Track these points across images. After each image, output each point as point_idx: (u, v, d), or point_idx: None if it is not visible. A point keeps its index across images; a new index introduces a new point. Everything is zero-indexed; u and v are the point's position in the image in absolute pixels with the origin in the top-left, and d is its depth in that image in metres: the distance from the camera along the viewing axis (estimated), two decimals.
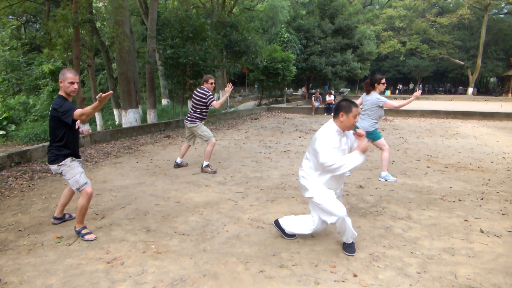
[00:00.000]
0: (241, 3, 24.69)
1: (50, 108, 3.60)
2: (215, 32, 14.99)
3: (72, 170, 3.67)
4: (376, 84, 5.75)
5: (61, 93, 3.62)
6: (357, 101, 5.70)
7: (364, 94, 5.93)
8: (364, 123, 5.74)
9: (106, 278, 2.95)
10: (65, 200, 4.05)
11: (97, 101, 3.42)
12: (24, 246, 3.53)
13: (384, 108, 5.82)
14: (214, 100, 6.30)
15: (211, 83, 6.40)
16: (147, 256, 3.32)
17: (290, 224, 3.60)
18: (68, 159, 3.67)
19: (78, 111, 3.47)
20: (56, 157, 3.64)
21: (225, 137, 10.64)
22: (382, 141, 5.86)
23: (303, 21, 27.49)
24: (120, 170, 6.63)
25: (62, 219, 4.14)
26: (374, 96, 5.73)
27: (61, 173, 3.70)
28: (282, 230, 3.67)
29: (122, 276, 2.97)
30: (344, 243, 3.45)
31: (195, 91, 6.48)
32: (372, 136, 5.76)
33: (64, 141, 3.63)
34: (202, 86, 6.40)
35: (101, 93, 3.50)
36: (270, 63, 20.95)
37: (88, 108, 3.45)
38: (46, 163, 3.79)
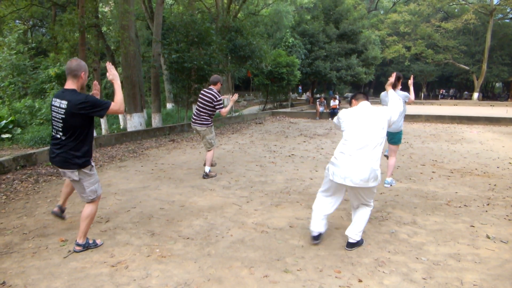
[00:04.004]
0: (246, 8, 24.76)
1: (69, 104, 3.16)
2: (220, 36, 15.05)
3: (92, 178, 3.43)
4: (402, 80, 5.62)
5: (74, 87, 3.28)
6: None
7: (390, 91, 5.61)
8: (397, 123, 5.57)
9: (110, 281, 2.95)
10: (67, 192, 3.87)
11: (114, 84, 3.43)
12: (29, 249, 3.54)
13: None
14: (223, 106, 6.17)
15: (221, 85, 6.34)
16: (152, 260, 3.31)
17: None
18: (91, 166, 3.41)
19: (114, 104, 3.31)
20: (78, 162, 3.29)
21: (230, 142, 10.65)
22: (398, 147, 5.85)
23: (307, 26, 27.53)
24: (124, 174, 6.65)
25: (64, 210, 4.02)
26: (401, 93, 5.56)
27: (77, 181, 3.38)
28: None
29: (126, 280, 2.97)
30: (351, 243, 3.54)
31: (202, 92, 6.30)
32: (398, 137, 5.72)
33: (87, 140, 3.37)
34: (211, 87, 6.26)
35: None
36: (274, 67, 20.97)
37: (119, 97, 3.35)
38: (63, 169, 3.37)
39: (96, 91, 3.74)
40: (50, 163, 3.51)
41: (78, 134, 3.27)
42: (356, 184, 3.26)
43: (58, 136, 3.30)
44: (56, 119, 3.27)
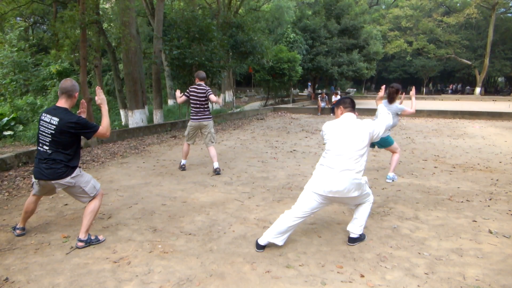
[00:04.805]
0: (247, 3, 24.65)
1: (60, 122, 3.29)
2: (221, 32, 14.99)
3: (85, 177, 3.56)
4: (399, 93, 5.88)
5: (66, 106, 3.42)
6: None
7: (386, 101, 5.83)
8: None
9: (112, 277, 2.96)
10: (31, 210, 3.78)
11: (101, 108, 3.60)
12: (32, 245, 3.55)
13: (402, 115, 6.00)
14: (211, 93, 6.29)
15: None
16: (154, 256, 3.32)
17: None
18: (79, 169, 3.54)
19: (101, 128, 3.49)
20: (67, 170, 3.40)
21: (231, 138, 10.64)
22: (395, 145, 5.92)
23: (309, 21, 27.42)
24: (126, 170, 6.65)
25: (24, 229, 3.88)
26: (395, 106, 5.80)
27: (72, 186, 3.46)
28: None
29: (128, 276, 2.98)
30: (353, 238, 3.55)
31: (194, 89, 6.31)
32: (387, 141, 5.81)
33: (77, 153, 3.50)
34: (200, 83, 6.32)
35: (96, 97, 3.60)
36: (276, 63, 20.91)
37: (105, 122, 3.54)
38: (49, 181, 3.41)
39: (83, 109, 3.81)
40: (37, 180, 3.48)
41: (65, 148, 3.39)
42: (337, 195, 3.24)
43: (44, 149, 3.39)
44: (44, 133, 3.37)
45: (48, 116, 3.36)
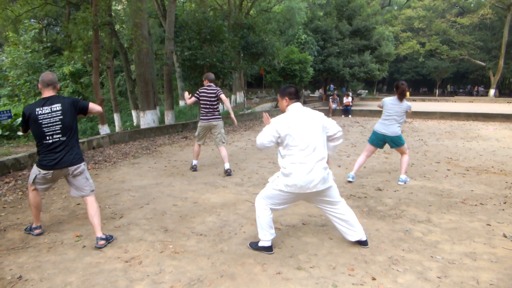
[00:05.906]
0: (258, 5, 24.69)
1: (64, 105, 3.42)
2: (232, 34, 15.03)
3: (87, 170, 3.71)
4: (407, 91, 5.80)
5: (54, 94, 3.55)
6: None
7: (395, 98, 5.73)
8: (394, 128, 5.71)
9: (124, 277, 2.98)
10: (39, 203, 3.85)
11: None
12: (45, 244, 3.60)
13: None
14: (222, 93, 6.34)
15: None
16: (165, 256, 3.34)
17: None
18: None
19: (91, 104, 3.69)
20: (81, 155, 3.58)
21: (242, 139, 10.65)
22: (405, 145, 5.85)
23: (320, 23, 27.34)
24: (138, 171, 6.70)
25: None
26: (406, 103, 5.74)
27: (82, 173, 3.56)
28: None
29: (140, 275, 2.99)
30: (365, 241, 3.51)
31: (204, 90, 6.30)
32: (400, 141, 5.77)
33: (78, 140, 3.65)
34: (210, 84, 6.34)
35: None
36: (287, 64, 20.87)
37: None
38: (71, 166, 3.50)
39: None
40: (51, 171, 3.47)
41: (73, 133, 3.51)
42: (317, 188, 3.16)
43: (57, 138, 3.40)
44: (50, 123, 3.37)
45: (45, 108, 3.37)
